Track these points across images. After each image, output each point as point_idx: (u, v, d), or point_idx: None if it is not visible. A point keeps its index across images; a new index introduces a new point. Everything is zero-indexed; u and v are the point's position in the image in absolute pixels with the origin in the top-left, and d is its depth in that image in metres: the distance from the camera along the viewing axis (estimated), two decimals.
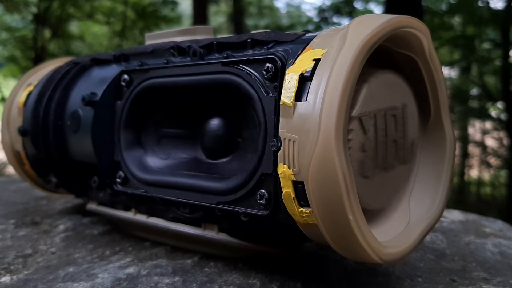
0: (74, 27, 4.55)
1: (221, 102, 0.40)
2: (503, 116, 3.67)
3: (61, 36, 4.00)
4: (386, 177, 0.35)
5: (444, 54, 3.95)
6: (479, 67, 3.78)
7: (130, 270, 0.39)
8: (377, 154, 0.34)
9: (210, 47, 0.40)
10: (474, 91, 4.19)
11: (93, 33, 4.82)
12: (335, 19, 4.12)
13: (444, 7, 3.75)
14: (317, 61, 0.30)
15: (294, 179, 0.30)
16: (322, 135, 0.28)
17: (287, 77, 0.31)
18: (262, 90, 0.34)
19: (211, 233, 0.40)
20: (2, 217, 0.58)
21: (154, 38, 0.48)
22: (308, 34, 0.35)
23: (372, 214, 0.36)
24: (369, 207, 0.33)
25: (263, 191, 0.33)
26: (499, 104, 3.77)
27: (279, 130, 0.30)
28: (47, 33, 3.86)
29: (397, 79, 0.35)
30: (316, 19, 4.34)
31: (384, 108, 0.34)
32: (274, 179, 0.32)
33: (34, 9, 3.71)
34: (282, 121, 0.30)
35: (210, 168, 0.40)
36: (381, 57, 0.35)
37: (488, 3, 3.40)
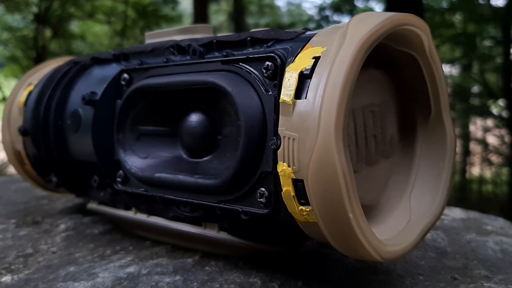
0: (75, 26, 4.54)
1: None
2: (504, 114, 3.66)
3: (62, 36, 4.00)
4: (372, 171, 0.35)
5: (445, 52, 3.94)
6: (480, 65, 3.77)
7: (131, 269, 0.39)
8: (358, 148, 0.35)
9: (210, 46, 0.40)
10: (475, 88, 4.18)
11: (94, 33, 4.82)
12: (335, 17, 4.12)
13: (444, 4, 3.74)
14: (316, 59, 0.30)
15: (294, 177, 0.30)
16: (322, 133, 0.28)
17: (287, 75, 0.31)
18: (262, 89, 0.34)
19: (211, 232, 0.40)
20: (3, 216, 0.58)
21: (154, 37, 0.48)
22: (308, 32, 0.35)
23: (372, 212, 0.36)
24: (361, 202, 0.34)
25: (263, 189, 0.33)
26: (501, 102, 3.76)
27: (279, 128, 0.30)
28: (48, 32, 3.86)
29: (375, 76, 0.36)
30: (316, 17, 4.33)
31: (363, 105, 0.35)
32: (274, 178, 0.32)
33: (35, 9, 3.71)
34: (281, 119, 0.30)
35: (203, 167, 0.40)
36: (381, 55, 0.35)
37: (489, 0, 3.39)
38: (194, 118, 0.41)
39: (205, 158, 0.41)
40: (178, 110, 0.42)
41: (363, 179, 0.34)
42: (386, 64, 0.37)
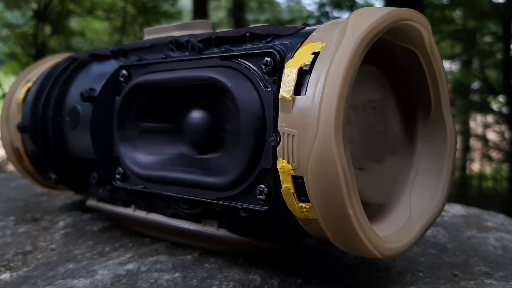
0: (74, 23, 4.54)
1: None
2: (504, 110, 3.67)
3: (61, 33, 3.99)
4: (381, 169, 0.35)
5: (445, 48, 3.94)
6: (481, 61, 3.77)
7: (130, 266, 0.39)
8: (366, 145, 0.34)
9: (209, 42, 0.39)
10: (476, 84, 4.18)
11: (93, 29, 4.81)
12: (335, 13, 4.11)
13: (445, 0, 3.73)
14: (316, 54, 0.30)
15: (294, 174, 0.30)
16: (321, 129, 0.27)
17: (286, 71, 0.31)
18: (261, 85, 0.33)
19: (211, 229, 0.40)
20: (2, 213, 0.58)
21: (152, 33, 0.47)
22: (308, 28, 0.35)
23: (372, 209, 0.36)
24: (366, 199, 0.33)
25: (263, 186, 0.33)
26: (501, 98, 3.77)
27: (278, 124, 0.30)
28: (47, 29, 3.86)
29: (375, 72, 0.36)
30: (316, 14, 4.32)
31: (364, 101, 0.34)
32: (273, 174, 0.32)
33: (34, 6, 3.70)
34: (281, 115, 0.30)
35: (206, 163, 0.40)
36: (381, 50, 0.35)
37: None
38: (195, 114, 0.41)
39: (206, 155, 0.40)
40: (178, 106, 0.42)
41: (370, 177, 0.34)
42: (386, 60, 0.37)
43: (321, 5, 4.17)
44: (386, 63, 0.37)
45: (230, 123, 0.38)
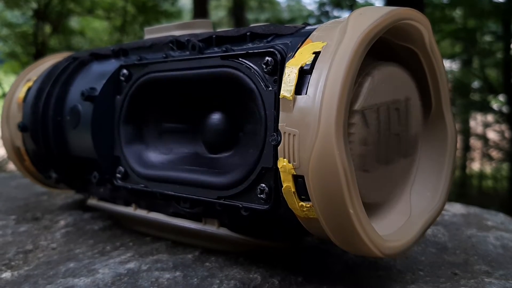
0: (74, 22, 4.53)
1: (221, 96, 0.40)
2: (504, 109, 3.67)
3: (61, 32, 3.99)
4: (387, 170, 0.35)
5: (445, 47, 3.93)
6: (481, 60, 3.77)
7: (131, 265, 0.39)
8: (379, 148, 0.33)
9: (209, 41, 0.39)
10: (476, 84, 4.18)
11: (93, 29, 4.81)
12: (335, 12, 4.11)
13: (445, 0, 3.73)
14: (317, 54, 0.30)
15: (294, 173, 0.30)
16: (322, 128, 0.27)
17: (287, 71, 0.31)
18: (262, 84, 0.34)
19: (211, 228, 0.40)
20: (3, 213, 0.58)
21: (153, 33, 0.48)
22: (308, 27, 0.35)
23: (373, 208, 0.36)
24: (368, 200, 0.33)
25: (264, 185, 0.33)
26: (501, 97, 3.76)
27: (279, 124, 0.30)
28: (47, 28, 3.86)
29: (400, 72, 0.35)
30: (316, 13, 4.32)
31: (387, 102, 0.33)
32: (274, 173, 0.32)
33: (34, 5, 3.70)
34: (282, 115, 0.30)
35: (211, 163, 0.40)
36: (382, 49, 0.35)
37: None
38: (210, 115, 0.41)
39: (217, 155, 0.41)
40: (182, 105, 0.42)
41: (373, 178, 0.34)
42: (386, 59, 0.37)
43: (321, 5, 4.17)
44: (408, 62, 0.37)
45: (231, 123, 0.38)
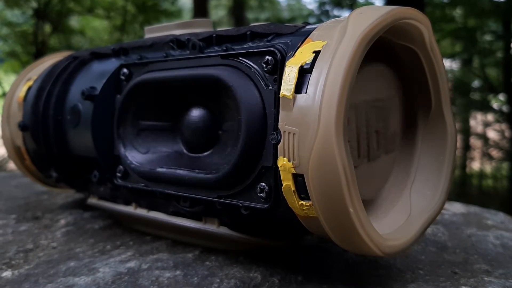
0: (74, 21, 4.53)
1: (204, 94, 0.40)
2: (505, 108, 3.67)
3: (61, 31, 3.99)
4: (371, 166, 0.35)
5: (445, 46, 3.93)
6: (481, 59, 3.77)
7: (131, 264, 0.39)
8: (359, 144, 0.35)
9: (210, 40, 0.39)
10: (476, 83, 4.18)
11: (93, 28, 4.81)
12: (336, 12, 4.10)
13: None
14: (317, 53, 0.30)
15: (294, 172, 0.30)
16: (322, 127, 0.27)
17: (287, 70, 0.31)
18: (262, 83, 0.34)
19: (211, 227, 0.40)
20: (3, 212, 0.58)
21: (153, 32, 0.48)
22: (308, 26, 0.35)
23: (373, 207, 0.36)
24: None
25: (263, 184, 0.33)
26: (501, 96, 3.76)
27: (279, 123, 0.30)
28: (47, 28, 3.86)
29: (381, 71, 0.36)
30: (317, 12, 4.31)
31: (366, 100, 0.35)
32: (274, 172, 0.32)
33: (34, 4, 3.70)
34: (281, 113, 0.30)
35: (196, 162, 0.40)
36: (382, 49, 0.35)
37: None
38: (195, 113, 0.41)
39: (205, 153, 0.41)
40: (178, 105, 0.42)
41: (361, 174, 0.34)
42: (387, 59, 0.37)
43: (321, 4, 4.17)
44: (390, 62, 0.37)
45: (231, 122, 0.38)
